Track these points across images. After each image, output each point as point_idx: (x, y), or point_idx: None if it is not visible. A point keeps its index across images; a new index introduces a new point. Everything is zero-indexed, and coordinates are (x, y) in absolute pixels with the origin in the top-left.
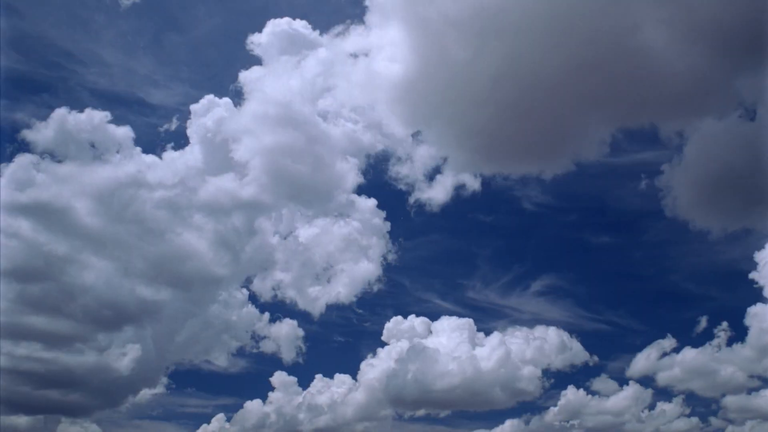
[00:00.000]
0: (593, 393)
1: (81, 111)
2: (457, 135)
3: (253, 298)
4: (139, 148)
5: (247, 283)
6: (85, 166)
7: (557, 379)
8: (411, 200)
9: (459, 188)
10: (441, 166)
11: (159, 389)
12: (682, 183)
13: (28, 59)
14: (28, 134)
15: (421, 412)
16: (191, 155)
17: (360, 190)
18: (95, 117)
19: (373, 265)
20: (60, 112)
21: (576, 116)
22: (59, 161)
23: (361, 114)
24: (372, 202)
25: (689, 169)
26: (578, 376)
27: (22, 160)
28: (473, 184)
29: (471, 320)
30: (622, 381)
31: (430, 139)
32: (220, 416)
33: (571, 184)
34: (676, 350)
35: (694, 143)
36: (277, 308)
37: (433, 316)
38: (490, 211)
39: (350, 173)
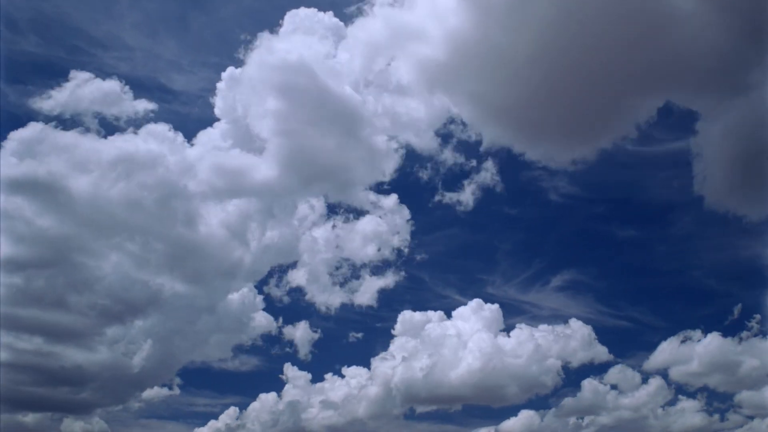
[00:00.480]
0: (612, 388)
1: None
2: (491, 116)
3: (267, 292)
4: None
5: (262, 275)
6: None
7: (574, 375)
8: (435, 190)
9: (484, 183)
10: (473, 151)
11: (168, 388)
12: (715, 172)
13: (47, 42)
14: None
15: (432, 408)
16: (214, 135)
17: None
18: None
19: (392, 259)
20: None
21: (609, 100)
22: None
23: (395, 96)
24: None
25: (723, 156)
26: (596, 371)
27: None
28: (498, 178)
29: (491, 314)
30: (641, 376)
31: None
32: (230, 411)
33: (601, 173)
34: (696, 346)
35: (729, 130)
36: (292, 303)
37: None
38: (515, 204)
39: (380, 160)
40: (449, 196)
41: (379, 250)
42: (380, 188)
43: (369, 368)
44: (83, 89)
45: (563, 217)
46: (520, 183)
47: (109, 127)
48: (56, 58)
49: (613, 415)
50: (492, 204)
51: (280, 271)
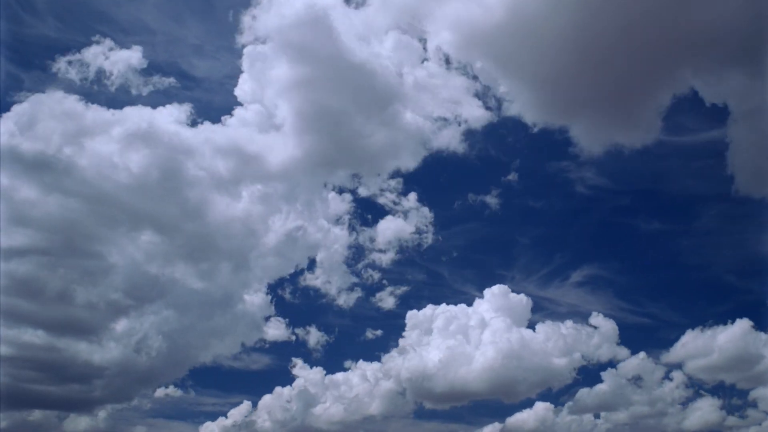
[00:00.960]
0: (629, 384)
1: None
2: (528, 92)
3: (282, 286)
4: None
5: (277, 270)
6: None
7: (590, 371)
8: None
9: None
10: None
11: (176, 386)
12: (747, 161)
13: (65, 26)
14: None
15: (445, 406)
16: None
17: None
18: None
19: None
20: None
21: (643, 85)
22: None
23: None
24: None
25: (758, 145)
26: (612, 367)
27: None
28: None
29: (510, 306)
30: (659, 373)
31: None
32: (241, 408)
33: (631, 162)
34: (715, 342)
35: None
36: (307, 297)
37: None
38: (540, 196)
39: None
40: (473, 191)
41: (399, 243)
42: (404, 176)
43: (381, 363)
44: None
45: (588, 209)
46: (548, 174)
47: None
48: (75, 42)
49: (630, 410)
50: (516, 196)
51: (296, 264)
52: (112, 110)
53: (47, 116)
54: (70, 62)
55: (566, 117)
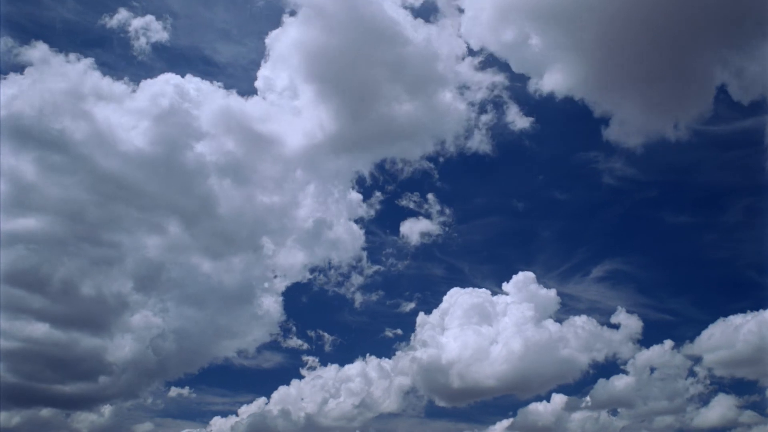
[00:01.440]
0: (646, 380)
1: None
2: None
3: (297, 279)
4: None
5: (294, 262)
6: None
7: (607, 368)
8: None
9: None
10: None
11: (184, 385)
12: None
13: (85, 9)
14: None
15: (461, 403)
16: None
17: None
18: None
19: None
20: None
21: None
22: None
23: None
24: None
25: None
26: (631, 363)
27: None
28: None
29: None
30: (678, 368)
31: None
32: (255, 404)
33: (662, 153)
34: (735, 338)
35: None
36: (320, 294)
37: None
38: (565, 188)
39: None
40: (496, 183)
41: (419, 236)
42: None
43: (396, 360)
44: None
45: (613, 202)
46: (575, 164)
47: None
48: (97, 27)
49: (649, 406)
50: (540, 188)
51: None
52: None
53: (60, 88)
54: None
55: (607, 98)
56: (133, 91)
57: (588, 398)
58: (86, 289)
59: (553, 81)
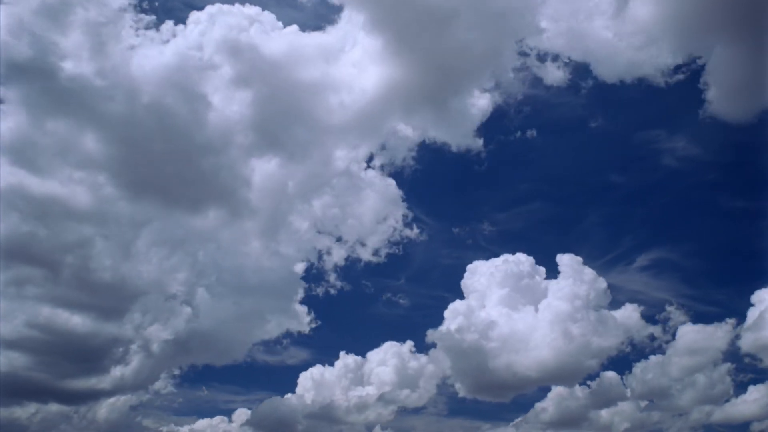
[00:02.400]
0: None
1: None
2: None
3: (320, 266)
4: None
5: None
6: None
7: (639, 359)
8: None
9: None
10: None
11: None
12: None
13: None
14: None
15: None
16: None
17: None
18: None
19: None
20: None
21: None
22: None
23: None
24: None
25: None
26: (665, 354)
27: None
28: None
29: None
30: (714, 361)
31: None
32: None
33: (731, 131)
34: None
35: None
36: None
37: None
38: (622, 170)
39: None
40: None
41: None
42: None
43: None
44: None
45: (669, 185)
46: (634, 144)
47: None
48: None
49: (689, 395)
50: (592, 171)
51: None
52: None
53: None
54: None
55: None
56: None
57: (627, 390)
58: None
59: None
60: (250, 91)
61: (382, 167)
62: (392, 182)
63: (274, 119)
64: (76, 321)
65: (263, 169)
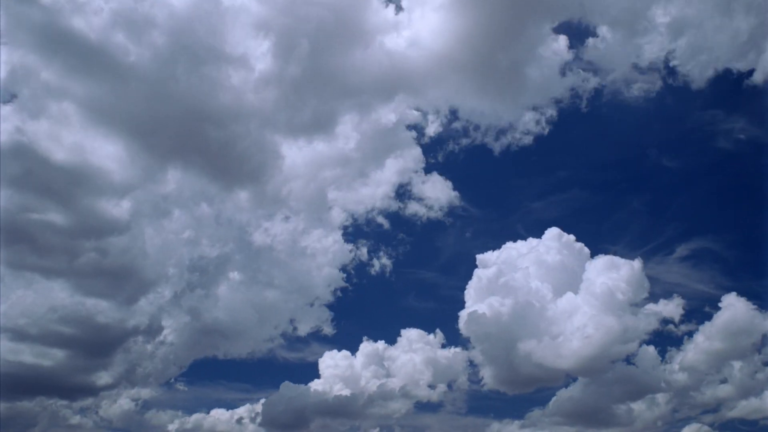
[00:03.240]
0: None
1: None
2: None
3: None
4: None
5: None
6: None
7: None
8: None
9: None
10: None
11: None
12: None
13: None
14: None
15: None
16: None
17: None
18: None
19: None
20: None
21: None
22: None
23: None
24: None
25: None
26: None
27: None
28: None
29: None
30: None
31: None
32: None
33: None
34: None
35: None
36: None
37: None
38: (676, 154)
39: None
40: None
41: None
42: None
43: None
44: None
45: (721, 168)
46: (689, 125)
47: None
48: None
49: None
50: (642, 155)
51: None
52: None
53: None
54: None
55: None
56: None
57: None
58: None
59: None
60: None
61: None
62: None
63: None
64: (92, 309)
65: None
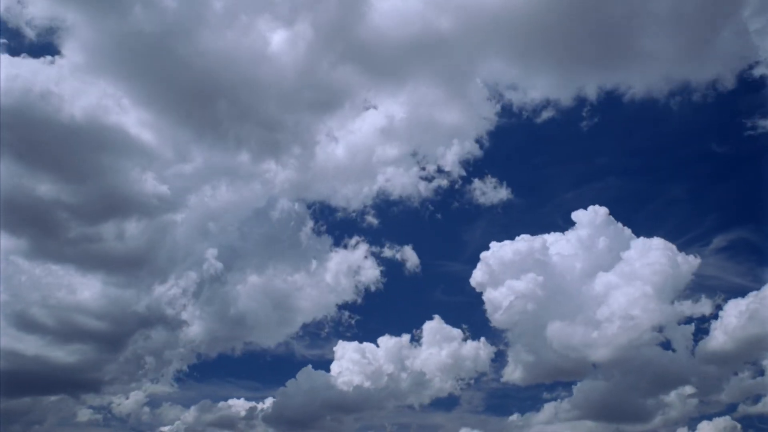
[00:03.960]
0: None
1: None
2: None
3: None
4: None
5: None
6: None
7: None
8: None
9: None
10: None
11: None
12: None
13: None
14: None
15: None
16: None
17: None
18: None
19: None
20: None
21: None
22: None
23: None
24: None
25: None
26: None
27: None
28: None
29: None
30: None
31: None
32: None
33: None
34: None
35: None
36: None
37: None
38: (703, 140)
39: None
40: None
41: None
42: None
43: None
44: None
45: (759, 156)
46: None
47: None
48: None
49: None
50: (678, 142)
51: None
52: None
53: None
54: None
55: None
56: None
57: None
58: None
59: None
60: None
61: None
62: None
63: None
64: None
65: None
